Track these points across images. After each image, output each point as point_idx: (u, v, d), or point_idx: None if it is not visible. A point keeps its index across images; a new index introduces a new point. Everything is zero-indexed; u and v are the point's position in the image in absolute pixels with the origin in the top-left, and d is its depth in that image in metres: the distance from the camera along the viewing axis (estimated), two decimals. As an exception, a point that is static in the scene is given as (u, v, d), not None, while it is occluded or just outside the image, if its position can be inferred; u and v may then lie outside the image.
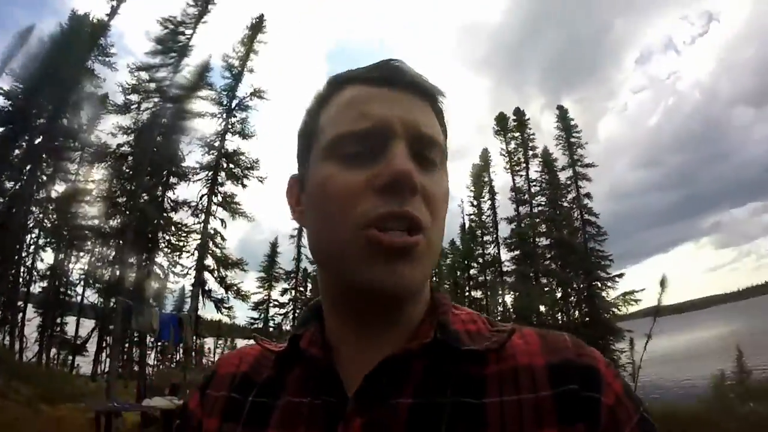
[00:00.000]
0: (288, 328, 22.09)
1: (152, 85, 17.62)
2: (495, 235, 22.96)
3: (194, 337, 13.83)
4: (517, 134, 23.25)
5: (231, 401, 0.55)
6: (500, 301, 22.08)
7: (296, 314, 21.88)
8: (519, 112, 23.86)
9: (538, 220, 21.77)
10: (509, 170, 22.88)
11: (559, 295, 20.88)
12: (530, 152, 22.87)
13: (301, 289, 23.88)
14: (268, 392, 0.53)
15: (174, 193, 17.88)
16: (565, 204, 21.73)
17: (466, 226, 23.94)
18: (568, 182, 21.78)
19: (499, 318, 21.50)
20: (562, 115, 23.12)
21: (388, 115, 0.48)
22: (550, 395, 0.44)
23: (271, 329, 21.97)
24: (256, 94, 19.54)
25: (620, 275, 20.30)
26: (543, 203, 22.01)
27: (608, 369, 0.47)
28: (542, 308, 20.64)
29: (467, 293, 23.08)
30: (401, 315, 0.50)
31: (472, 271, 23.27)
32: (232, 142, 18.83)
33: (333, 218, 0.47)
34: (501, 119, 23.89)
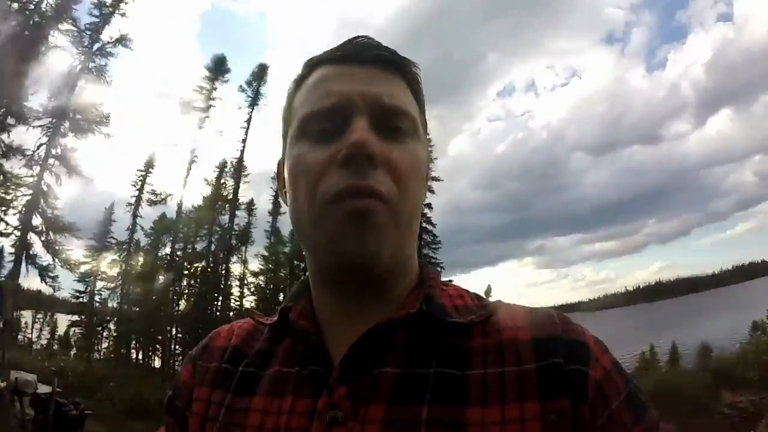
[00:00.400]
0: (115, 304, 20.42)
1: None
2: None
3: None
4: None
5: (222, 371, 0.56)
6: None
7: (125, 290, 20.38)
8: None
9: None
10: None
11: None
12: None
13: (132, 262, 22.22)
14: (258, 362, 0.54)
15: (9, 137, 15.95)
16: None
17: None
18: None
19: None
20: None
21: (348, 90, 0.50)
22: (534, 368, 0.45)
23: (96, 304, 20.13)
24: (122, 41, 17.83)
25: (449, 281, 23.26)
26: None
27: (597, 345, 0.48)
28: None
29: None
30: (386, 289, 0.51)
31: None
32: (85, 90, 17.26)
33: (303, 195, 0.49)
34: None
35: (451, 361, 0.46)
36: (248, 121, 22.03)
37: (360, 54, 0.52)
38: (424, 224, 21.87)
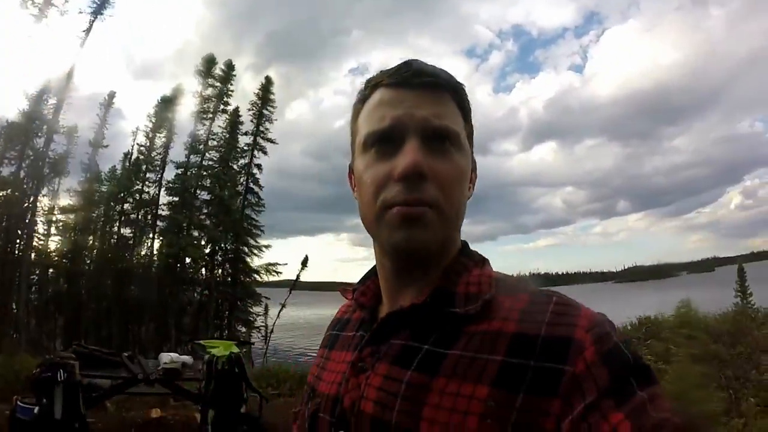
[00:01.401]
0: None
1: None
2: (160, 176, 22.07)
3: None
4: (218, 84, 22.83)
5: (329, 336, 0.79)
6: (148, 244, 21.78)
7: None
8: (230, 66, 23.36)
9: (205, 173, 21.75)
10: (195, 115, 22.25)
11: (207, 251, 21.34)
12: (222, 106, 22.57)
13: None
14: (342, 327, 0.77)
15: None
16: (235, 167, 22.14)
17: (133, 156, 22.54)
18: (246, 148, 22.27)
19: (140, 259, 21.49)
20: (267, 85, 23.26)
21: (401, 114, 0.61)
22: (500, 360, 0.52)
23: None
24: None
25: (268, 246, 21.70)
26: (215, 159, 22.03)
27: (588, 333, 0.51)
28: (187, 260, 21.05)
29: (117, 228, 22.12)
30: (422, 274, 0.64)
31: (126, 206, 22.11)
32: None
33: (369, 201, 0.62)
34: (209, 62, 23.14)
35: (443, 340, 0.57)
36: (87, 30, 20.20)
37: (411, 80, 0.62)
38: (251, 185, 22.34)
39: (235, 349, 4.16)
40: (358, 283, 0.77)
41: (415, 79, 0.63)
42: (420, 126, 0.61)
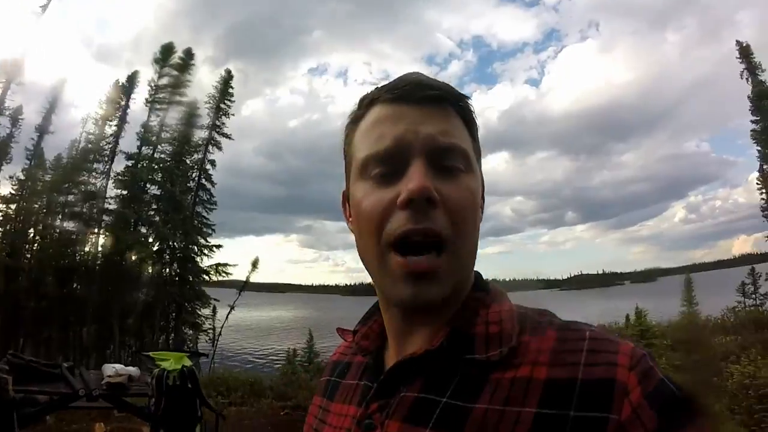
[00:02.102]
0: None
1: None
2: (108, 167, 21.05)
3: None
4: (175, 73, 22.10)
5: (326, 382, 0.71)
6: (92, 240, 20.86)
7: None
8: (189, 55, 22.64)
9: (156, 167, 21.09)
10: (149, 105, 21.51)
11: (155, 249, 20.69)
12: (178, 97, 21.83)
13: None
14: (342, 373, 0.69)
15: None
16: (188, 162, 21.51)
17: (81, 144, 21.35)
18: (201, 143, 21.65)
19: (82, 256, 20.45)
20: (226, 78, 22.75)
21: (404, 133, 0.55)
22: (532, 413, 0.46)
23: None
24: None
25: (219, 246, 21.25)
26: (167, 152, 21.38)
27: (632, 373, 0.46)
28: (134, 257, 20.34)
29: (60, 221, 21.00)
30: (438, 314, 0.57)
31: (70, 198, 20.93)
32: None
33: (368, 235, 0.56)
34: (167, 50, 22.46)
35: (464, 391, 0.51)
36: (44, 6, 19.38)
37: (412, 94, 0.56)
38: (204, 181, 21.66)
39: (188, 362, 3.97)
40: (359, 322, 0.69)
41: (417, 93, 0.57)
42: (426, 145, 0.55)
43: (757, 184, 18.79)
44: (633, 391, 0.45)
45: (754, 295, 18.35)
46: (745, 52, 18.97)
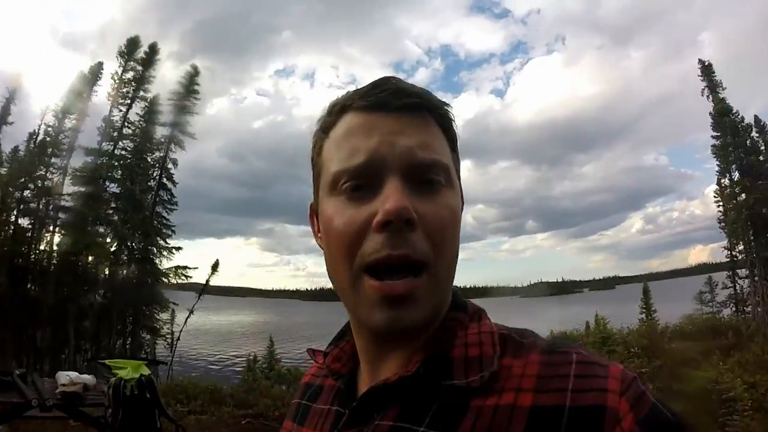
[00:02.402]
0: None
1: None
2: (66, 162, 20.10)
3: None
4: (140, 68, 21.50)
5: (295, 405, 0.68)
6: (47, 239, 19.92)
7: None
8: (154, 49, 22.04)
9: (117, 163, 20.40)
10: (111, 99, 20.75)
11: (113, 249, 20.04)
12: (142, 92, 21.32)
13: None
14: (313, 396, 0.65)
15: None
16: (149, 160, 20.94)
17: (39, 137, 20.32)
18: (163, 140, 21.13)
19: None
20: (193, 75, 22.17)
21: (379, 147, 0.50)
22: None
23: None
24: None
25: (178, 248, 20.77)
26: (129, 149, 20.72)
27: (622, 399, 0.43)
28: (91, 258, 19.71)
29: (13, 217, 19.93)
30: (413, 337, 0.53)
31: (26, 193, 19.94)
32: None
33: (340, 258, 0.52)
34: (132, 43, 21.73)
35: (443, 420, 0.47)
36: None
37: (389, 102, 0.52)
38: (165, 180, 21.07)
39: (146, 371, 3.90)
40: (331, 343, 0.66)
41: (394, 101, 0.53)
42: (403, 160, 0.51)
43: (715, 196, 19.69)
44: (625, 418, 0.42)
45: (711, 303, 19.29)
46: (707, 71, 19.86)
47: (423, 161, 0.52)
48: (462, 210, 0.59)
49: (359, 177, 0.52)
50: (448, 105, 0.57)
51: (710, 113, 19.59)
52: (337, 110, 0.57)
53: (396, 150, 0.51)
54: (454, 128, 0.57)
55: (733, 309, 18.63)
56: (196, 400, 8.40)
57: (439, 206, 0.52)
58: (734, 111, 19.26)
